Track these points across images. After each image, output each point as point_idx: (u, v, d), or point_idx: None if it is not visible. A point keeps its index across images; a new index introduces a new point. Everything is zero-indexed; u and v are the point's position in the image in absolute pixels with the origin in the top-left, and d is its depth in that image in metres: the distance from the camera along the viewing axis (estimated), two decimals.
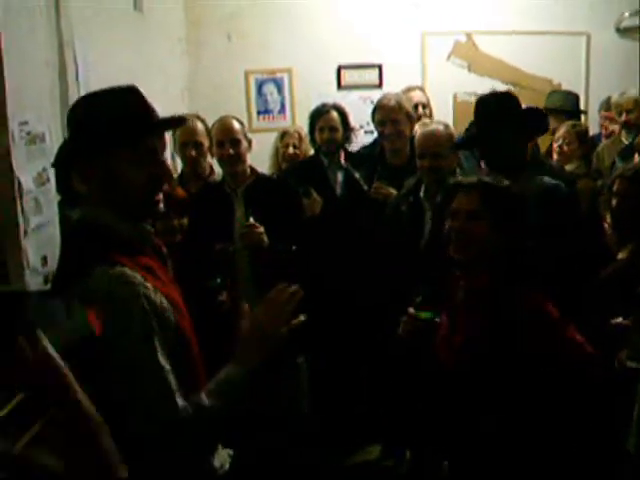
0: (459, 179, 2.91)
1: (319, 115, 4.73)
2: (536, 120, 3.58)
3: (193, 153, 4.20)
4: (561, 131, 5.00)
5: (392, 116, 4.47)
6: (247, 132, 4.07)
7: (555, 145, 5.03)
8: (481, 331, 2.55)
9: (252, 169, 4.05)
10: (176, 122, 2.38)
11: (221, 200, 3.94)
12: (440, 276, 2.84)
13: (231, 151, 3.90)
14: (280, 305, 2.06)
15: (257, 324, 2.05)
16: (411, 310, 2.86)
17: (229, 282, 3.70)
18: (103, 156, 2.00)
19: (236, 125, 3.98)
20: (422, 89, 5.46)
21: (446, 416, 2.69)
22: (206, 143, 4.26)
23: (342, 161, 4.73)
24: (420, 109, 5.12)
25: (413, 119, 4.51)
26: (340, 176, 4.70)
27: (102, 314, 1.76)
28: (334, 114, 4.69)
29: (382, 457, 4.37)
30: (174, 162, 4.85)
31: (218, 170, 4.27)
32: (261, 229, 3.71)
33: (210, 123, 4.28)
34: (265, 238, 3.72)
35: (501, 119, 3.38)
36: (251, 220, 3.73)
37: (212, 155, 4.21)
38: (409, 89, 5.29)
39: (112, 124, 2.00)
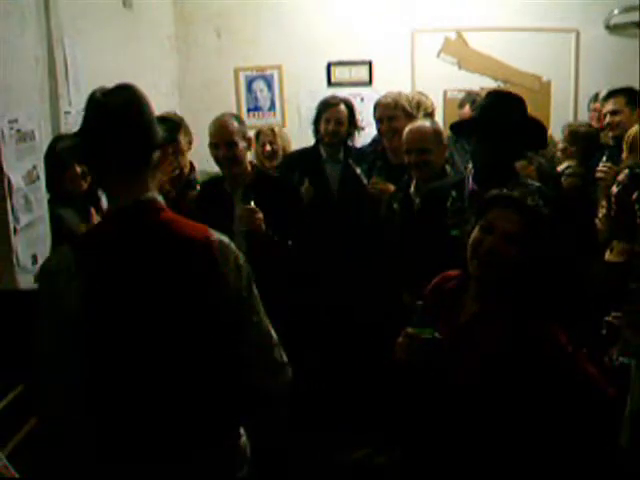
0: (502, 192, 2.68)
1: (327, 107, 4.70)
2: (536, 135, 3.52)
3: (169, 150, 4.16)
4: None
5: (387, 113, 4.46)
6: (246, 130, 3.91)
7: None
8: (497, 351, 2.47)
9: (253, 166, 4.00)
10: None
11: (221, 199, 3.88)
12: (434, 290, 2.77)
13: (226, 153, 3.80)
14: None
15: None
16: (410, 330, 2.66)
17: None
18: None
19: (232, 126, 3.82)
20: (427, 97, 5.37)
21: (448, 427, 2.61)
22: (183, 141, 4.24)
23: (341, 155, 4.71)
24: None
25: (413, 117, 4.47)
26: (337, 170, 4.68)
27: None
28: (342, 108, 4.67)
29: (373, 454, 4.36)
30: None
31: (201, 167, 4.29)
32: (260, 215, 3.65)
33: (199, 121, 4.27)
34: (263, 224, 3.66)
35: (501, 129, 3.31)
36: (252, 204, 3.70)
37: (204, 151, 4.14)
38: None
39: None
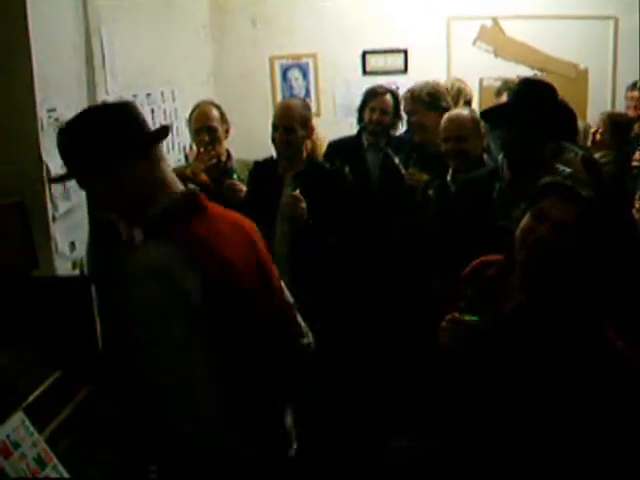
0: (557, 178, 2.63)
1: (374, 95, 4.71)
2: (567, 124, 3.48)
3: (206, 138, 4.20)
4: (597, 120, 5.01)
5: (407, 108, 4.52)
6: (310, 118, 3.97)
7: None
8: (544, 344, 2.44)
9: (308, 154, 4.04)
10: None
11: (273, 181, 3.93)
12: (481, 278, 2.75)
13: (284, 137, 3.85)
14: None
15: None
16: (456, 316, 2.65)
17: None
18: None
19: (295, 111, 3.89)
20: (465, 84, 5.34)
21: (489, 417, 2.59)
22: (220, 128, 4.26)
23: (383, 145, 4.70)
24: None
25: (438, 109, 4.40)
26: (378, 159, 4.68)
27: None
28: (388, 97, 4.68)
29: (410, 443, 4.36)
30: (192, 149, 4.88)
31: (237, 156, 4.30)
32: (303, 204, 3.71)
33: (235, 109, 4.28)
34: (305, 214, 3.72)
35: (532, 116, 3.28)
36: (297, 192, 3.74)
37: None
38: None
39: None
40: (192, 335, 1.95)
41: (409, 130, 4.82)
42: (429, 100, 4.46)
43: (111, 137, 2.03)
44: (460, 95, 4.93)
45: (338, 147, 4.85)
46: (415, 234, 4.07)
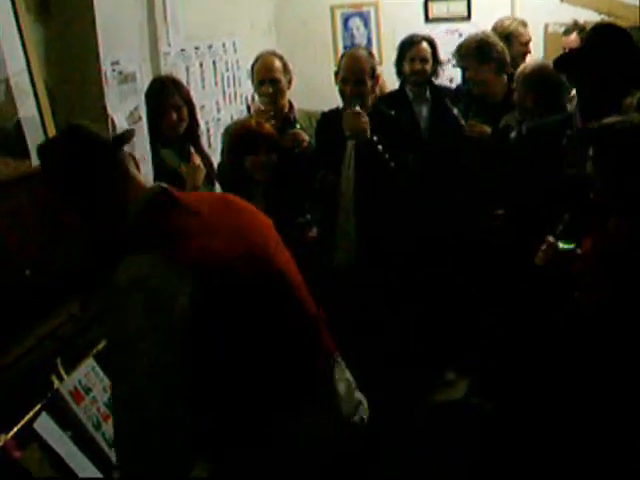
0: (610, 120, 2.66)
1: (410, 45, 4.64)
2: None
3: (270, 90, 4.21)
4: None
5: (460, 64, 4.50)
6: (375, 66, 4.00)
7: None
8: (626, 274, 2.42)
9: (372, 103, 4.06)
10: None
11: (339, 130, 3.91)
12: (584, 207, 2.74)
13: (354, 90, 3.86)
14: None
15: None
16: (551, 238, 2.74)
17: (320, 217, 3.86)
18: None
19: (363, 63, 3.90)
20: (525, 24, 5.19)
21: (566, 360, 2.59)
22: (284, 80, 4.25)
23: (428, 94, 4.65)
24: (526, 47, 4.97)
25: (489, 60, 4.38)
26: (425, 110, 4.63)
27: None
28: (425, 45, 4.61)
29: (468, 394, 4.36)
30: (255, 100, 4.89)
31: (298, 105, 4.30)
32: (365, 118, 3.74)
33: (296, 59, 4.27)
34: (368, 130, 3.74)
35: (607, 62, 3.20)
36: (357, 108, 3.76)
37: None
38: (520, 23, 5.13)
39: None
40: (170, 354, 1.85)
41: (466, 82, 4.77)
42: (478, 54, 4.39)
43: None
44: (513, 38, 4.81)
45: (383, 102, 4.79)
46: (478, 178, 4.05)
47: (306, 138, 4.06)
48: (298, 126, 4.19)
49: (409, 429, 3.86)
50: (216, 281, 1.89)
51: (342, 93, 3.94)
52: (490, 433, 3.54)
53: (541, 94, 3.79)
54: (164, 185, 2.05)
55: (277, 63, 4.22)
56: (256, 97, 4.35)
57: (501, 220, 3.85)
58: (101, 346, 2.70)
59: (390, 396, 3.80)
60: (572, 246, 2.67)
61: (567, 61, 3.56)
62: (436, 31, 5.96)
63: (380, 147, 3.75)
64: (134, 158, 2.12)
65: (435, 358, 4.42)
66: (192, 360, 1.86)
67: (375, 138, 3.75)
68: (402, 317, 3.97)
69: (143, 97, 3.43)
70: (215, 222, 2.03)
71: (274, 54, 4.31)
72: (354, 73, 3.87)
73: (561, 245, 2.70)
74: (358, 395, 2.26)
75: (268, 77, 4.17)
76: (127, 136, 2.14)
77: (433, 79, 4.73)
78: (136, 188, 2.03)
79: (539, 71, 3.86)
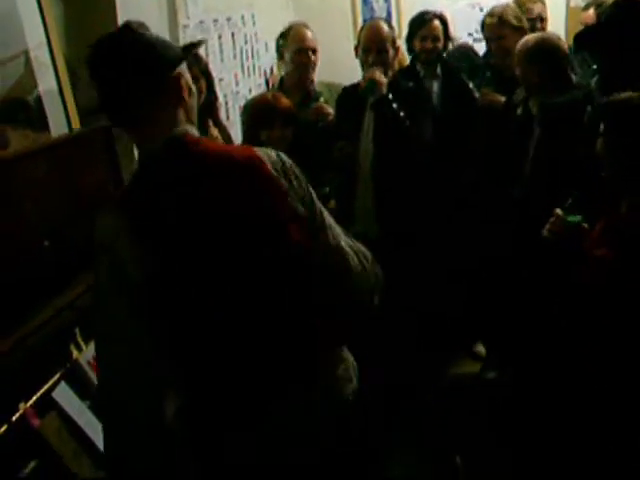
0: (612, 98, 2.72)
1: (423, 23, 4.58)
2: None
3: (312, 58, 4.21)
4: None
5: (497, 33, 4.43)
6: (395, 37, 4.08)
7: None
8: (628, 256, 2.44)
9: (393, 74, 4.10)
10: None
11: (358, 102, 3.94)
12: (594, 182, 2.75)
13: (376, 59, 3.90)
14: None
15: None
16: (559, 211, 2.76)
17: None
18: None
19: (384, 31, 3.95)
20: (543, 0, 5.14)
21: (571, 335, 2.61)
22: (317, 52, 4.25)
23: (439, 70, 4.62)
24: (538, 23, 4.90)
25: (523, 30, 4.37)
26: (436, 86, 4.60)
27: None
28: (437, 23, 4.55)
29: (484, 369, 4.39)
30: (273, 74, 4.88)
31: (318, 78, 4.31)
32: (384, 79, 3.78)
33: (315, 32, 4.26)
34: (385, 87, 3.78)
35: (629, 38, 3.17)
36: (374, 71, 3.81)
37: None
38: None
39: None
40: (132, 318, 1.81)
41: (486, 55, 4.75)
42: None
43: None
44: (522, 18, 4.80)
45: (394, 79, 4.78)
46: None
47: (330, 111, 4.09)
48: (322, 99, 4.20)
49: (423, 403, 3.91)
50: (170, 257, 1.82)
51: (363, 63, 3.96)
52: (502, 408, 3.57)
53: (545, 68, 3.71)
54: (185, 132, 1.93)
55: (311, 34, 4.26)
56: (275, 70, 4.35)
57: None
58: None
59: (410, 373, 3.86)
60: (579, 218, 2.69)
61: (587, 36, 3.53)
62: (457, 5, 5.93)
63: (395, 105, 3.77)
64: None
65: (460, 334, 4.45)
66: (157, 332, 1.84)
67: (390, 96, 3.77)
68: (421, 294, 3.98)
69: None
70: (206, 191, 1.88)
71: (305, 25, 4.31)
72: (376, 42, 3.90)
73: (569, 218, 2.71)
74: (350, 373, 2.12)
75: (310, 47, 4.21)
76: (196, 44, 2.13)
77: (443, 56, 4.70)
78: (167, 125, 1.91)
79: (542, 43, 3.77)
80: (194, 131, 1.97)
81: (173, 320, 1.85)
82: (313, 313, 1.99)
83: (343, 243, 2.09)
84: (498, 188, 3.91)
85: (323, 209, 2.09)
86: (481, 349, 4.57)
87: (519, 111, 3.91)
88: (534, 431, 3.05)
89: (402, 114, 3.77)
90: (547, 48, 3.74)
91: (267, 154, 1.99)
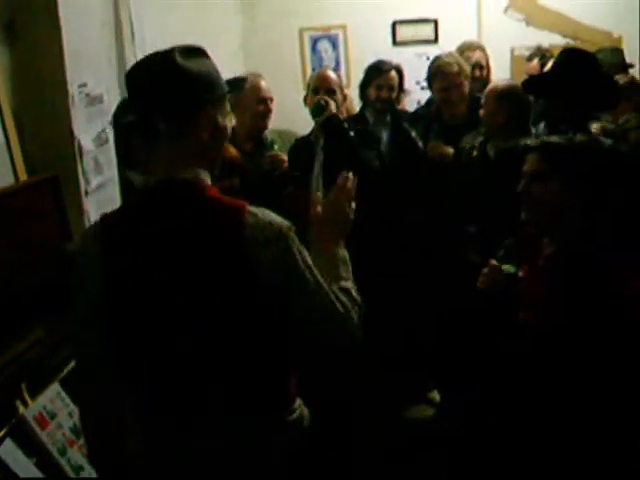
0: (528, 142, 2.80)
1: (379, 73, 4.57)
2: (608, 94, 3.43)
3: (270, 107, 4.24)
4: None
5: (457, 81, 4.47)
6: (342, 85, 4.27)
7: None
8: (562, 292, 2.46)
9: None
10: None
11: (308, 148, 3.99)
12: (521, 230, 2.78)
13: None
14: (348, 191, 2.15)
15: (330, 209, 2.13)
16: (494, 262, 2.78)
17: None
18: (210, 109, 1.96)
19: (333, 76, 4.12)
20: (483, 48, 5.25)
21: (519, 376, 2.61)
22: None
23: (388, 118, 4.66)
24: (477, 71, 5.02)
25: (469, 78, 4.48)
26: (385, 135, 4.64)
27: None
28: (394, 74, 4.57)
29: (437, 417, 4.36)
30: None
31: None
32: (333, 102, 3.93)
33: (265, 81, 4.28)
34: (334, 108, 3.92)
35: (573, 86, 3.25)
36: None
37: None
38: (469, 47, 5.17)
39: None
40: (87, 326, 1.93)
41: (428, 103, 4.83)
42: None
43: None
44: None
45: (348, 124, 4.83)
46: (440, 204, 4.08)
47: (285, 159, 4.11)
48: (276, 147, 4.22)
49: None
50: (125, 291, 1.89)
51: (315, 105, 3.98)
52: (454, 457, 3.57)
53: (514, 109, 3.78)
54: (198, 177, 1.90)
55: (265, 84, 4.27)
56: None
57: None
58: (66, 371, 2.67)
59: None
60: (514, 269, 2.73)
61: (536, 83, 3.61)
62: (404, 55, 6.03)
63: (345, 125, 3.91)
64: None
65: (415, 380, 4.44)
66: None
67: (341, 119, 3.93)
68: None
69: (110, 119, 3.42)
70: (173, 242, 1.85)
71: (260, 76, 4.32)
72: (324, 84, 4.01)
73: (504, 268, 2.74)
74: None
75: (267, 96, 4.23)
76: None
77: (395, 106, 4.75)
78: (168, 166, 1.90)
79: (513, 86, 3.87)
80: (203, 177, 1.93)
81: (120, 341, 1.94)
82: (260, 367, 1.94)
83: (325, 306, 1.90)
84: (452, 225, 3.95)
85: (309, 276, 1.89)
86: (435, 395, 4.55)
87: (474, 153, 3.97)
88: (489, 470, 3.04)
89: (352, 133, 3.88)
90: (517, 91, 3.82)
91: (256, 221, 1.86)
